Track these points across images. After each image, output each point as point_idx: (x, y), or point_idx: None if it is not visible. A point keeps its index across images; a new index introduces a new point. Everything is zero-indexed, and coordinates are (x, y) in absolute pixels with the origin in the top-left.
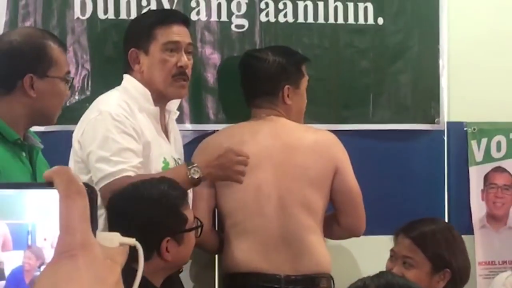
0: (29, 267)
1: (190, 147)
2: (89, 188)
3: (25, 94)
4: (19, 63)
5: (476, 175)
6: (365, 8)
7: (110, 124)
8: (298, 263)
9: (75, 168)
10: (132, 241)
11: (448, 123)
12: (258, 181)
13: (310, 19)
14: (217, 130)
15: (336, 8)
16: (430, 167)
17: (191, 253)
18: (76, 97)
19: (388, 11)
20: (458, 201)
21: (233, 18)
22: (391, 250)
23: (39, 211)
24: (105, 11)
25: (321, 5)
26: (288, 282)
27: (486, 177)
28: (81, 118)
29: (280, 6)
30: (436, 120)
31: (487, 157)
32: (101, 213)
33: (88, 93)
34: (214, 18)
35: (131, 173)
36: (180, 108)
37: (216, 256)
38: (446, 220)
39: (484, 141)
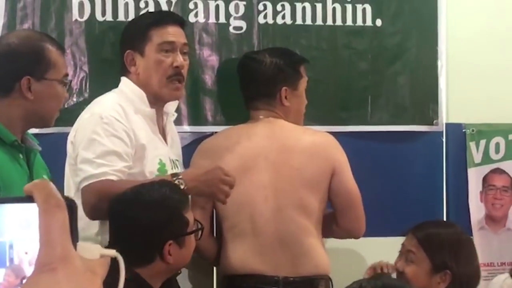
0: (7, 284)
1: (188, 149)
2: (69, 201)
3: (22, 96)
4: (17, 65)
5: (474, 177)
6: (363, 10)
7: (98, 126)
8: (296, 265)
9: (69, 170)
10: (112, 252)
11: (447, 124)
12: (254, 183)
13: (308, 21)
14: (215, 132)
15: (334, 9)
16: (428, 168)
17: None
18: (74, 99)
19: (386, 12)
20: (457, 203)
21: (231, 20)
22: (401, 245)
23: (20, 225)
24: (103, 13)
25: (319, 6)
26: (286, 284)
27: (485, 179)
28: (77, 119)
29: (278, 7)
30: (434, 122)
31: (486, 159)
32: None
33: (86, 95)
34: (212, 20)
35: (113, 177)
36: (178, 110)
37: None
38: None
39: (482, 142)
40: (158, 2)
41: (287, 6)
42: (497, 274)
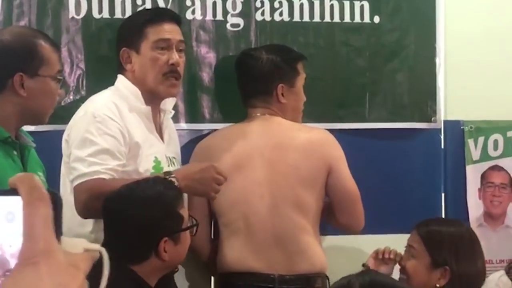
0: None
1: (186, 148)
2: (53, 194)
3: (15, 93)
4: (9, 61)
5: (473, 174)
6: (361, 7)
7: (91, 125)
8: (292, 263)
9: (65, 169)
10: (96, 246)
11: (445, 121)
12: (249, 181)
13: (306, 18)
14: (213, 129)
15: (332, 6)
16: (427, 166)
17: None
18: (71, 97)
19: (384, 9)
20: (455, 200)
21: (229, 17)
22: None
23: (5, 218)
24: (100, 11)
25: (317, 3)
26: (282, 282)
27: (483, 176)
28: (72, 118)
29: (276, 4)
30: (432, 119)
31: (484, 156)
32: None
33: (83, 92)
34: (209, 17)
35: (106, 176)
36: (175, 107)
37: None
38: None
39: (481, 139)
40: None
41: (285, 3)
42: (496, 271)
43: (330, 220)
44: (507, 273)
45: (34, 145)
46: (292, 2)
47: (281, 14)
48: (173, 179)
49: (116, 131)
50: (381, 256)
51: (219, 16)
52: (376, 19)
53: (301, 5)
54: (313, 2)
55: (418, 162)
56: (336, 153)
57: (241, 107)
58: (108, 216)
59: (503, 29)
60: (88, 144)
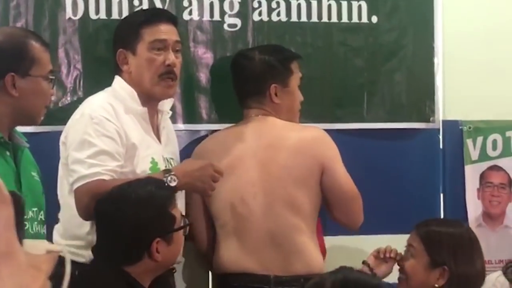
0: None
1: (184, 148)
2: (16, 196)
3: (7, 93)
4: (0, 62)
5: (472, 174)
6: (359, 7)
7: (88, 127)
8: (287, 264)
9: (62, 170)
10: (58, 248)
11: (444, 121)
12: (243, 182)
13: (304, 18)
14: (210, 130)
15: (329, 6)
16: (425, 166)
17: (185, 253)
18: (68, 98)
19: (382, 9)
20: (454, 200)
21: (226, 17)
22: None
23: None
24: (97, 11)
25: (314, 3)
26: (277, 282)
27: (482, 176)
28: (69, 120)
29: (273, 5)
30: (431, 119)
31: (483, 156)
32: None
33: (80, 93)
34: (206, 17)
35: (106, 177)
36: (172, 108)
37: None
38: None
39: (479, 139)
40: (152, 0)
41: (282, 3)
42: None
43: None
44: (505, 273)
45: (27, 145)
46: (290, 3)
47: (278, 14)
48: (173, 177)
49: (114, 132)
50: (383, 256)
51: (217, 17)
52: (374, 19)
53: (299, 5)
54: (310, 2)
55: (416, 162)
56: (329, 151)
57: (238, 108)
58: (100, 218)
59: (502, 29)
60: (86, 146)
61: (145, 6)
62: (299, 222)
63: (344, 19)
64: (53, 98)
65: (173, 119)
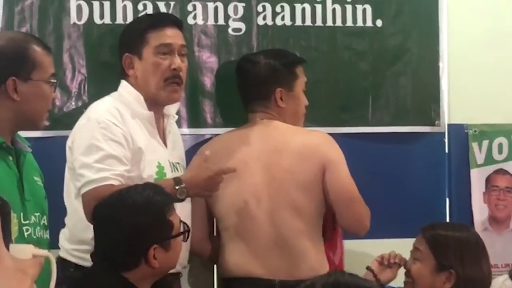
0: None
1: (188, 152)
2: (2, 202)
3: (8, 98)
4: (2, 66)
5: (477, 178)
6: (364, 10)
7: (96, 131)
8: (292, 268)
9: (69, 175)
10: (44, 252)
11: (449, 125)
12: (247, 186)
13: (308, 22)
14: (215, 134)
15: (334, 10)
16: (431, 170)
17: (191, 258)
18: (73, 103)
19: (386, 13)
20: (460, 204)
21: (230, 21)
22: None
23: None
24: (101, 16)
25: (319, 7)
26: (282, 287)
27: (488, 180)
28: (75, 125)
29: (278, 9)
30: (436, 123)
31: (489, 159)
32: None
33: (85, 98)
34: (211, 22)
35: (114, 182)
36: (177, 112)
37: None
38: None
39: (485, 143)
40: (157, 4)
41: (287, 7)
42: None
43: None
44: (511, 277)
45: (30, 150)
46: (294, 7)
47: (282, 18)
48: (184, 189)
49: (120, 136)
50: (387, 263)
51: (221, 21)
52: (379, 23)
53: (303, 9)
54: (315, 6)
55: (422, 166)
56: (333, 154)
57: (243, 112)
58: (98, 223)
59: (507, 32)
60: (94, 150)
61: (150, 10)
62: (303, 227)
63: (349, 23)
64: (57, 102)
65: (178, 123)
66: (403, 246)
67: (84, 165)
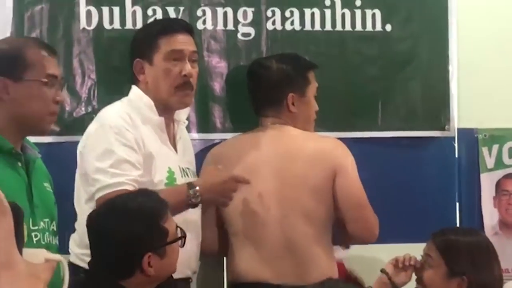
0: None
1: (198, 157)
2: (14, 206)
3: (1, 100)
4: None
5: (487, 182)
6: (373, 15)
7: (109, 136)
8: (301, 273)
9: (80, 180)
10: (57, 257)
11: (459, 129)
12: (257, 191)
13: (317, 27)
14: (224, 139)
15: (343, 15)
16: (440, 174)
17: (200, 263)
18: (83, 108)
19: (396, 17)
20: (470, 209)
21: (240, 26)
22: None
23: None
24: (111, 22)
25: (328, 12)
26: None
27: (498, 184)
28: (86, 130)
29: (287, 14)
30: (446, 127)
31: (499, 164)
32: None
33: (94, 103)
34: (220, 27)
35: (129, 187)
36: (187, 117)
37: (225, 266)
38: None
39: (495, 147)
40: (166, 10)
41: (296, 12)
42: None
43: (344, 239)
44: None
45: (39, 156)
46: (303, 11)
47: (292, 23)
48: (197, 193)
49: (133, 141)
50: (401, 265)
51: (230, 26)
52: (388, 27)
53: (312, 14)
54: (324, 11)
55: (432, 171)
56: (343, 160)
57: (252, 117)
58: (91, 231)
59: None
60: (108, 155)
61: (159, 16)
62: (313, 232)
63: (358, 27)
64: (67, 108)
65: (188, 128)
66: (413, 251)
67: (99, 170)
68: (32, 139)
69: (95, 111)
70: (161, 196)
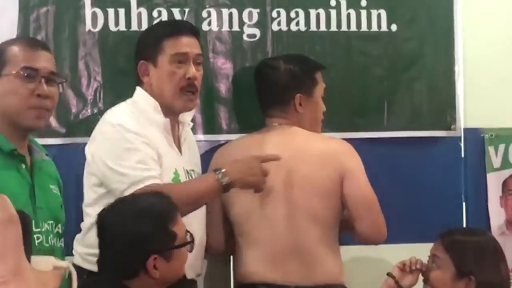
0: None
1: (204, 159)
2: (22, 215)
3: None
4: None
5: (494, 182)
6: (378, 15)
7: (127, 136)
8: (308, 274)
9: (88, 181)
10: (65, 264)
11: (465, 129)
12: (264, 192)
13: (323, 27)
14: (230, 140)
15: (348, 15)
16: (447, 174)
17: (207, 264)
18: (89, 110)
19: (401, 17)
20: (477, 208)
21: (245, 27)
22: (430, 251)
23: None
24: (116, 23)
25: (333, 13)
26: None
27: (505, 183)
28: (93, 132)
29: (292, 14)
30: (452, 127)
31: (505, 163)
32: None
33: (100, 105)
34: (225, 28)
35: (158, 181)
36: (192, 119)
37: (232, 267)
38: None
39: (501, 147)
40: (171, 11)
41: (301, 12)
42: None
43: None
44: None
45: (46, 157)
46: (309, 12)
47: (297, 24)
48: (225, 173)
49: (147, 140)
50: (408, 269)
51: (235, 27)
52: (393, 27)
53: (318, 15)
54: (329, 12)
55: (438, 171)
56: (352, 162)
57: (258, 118)
58: (100, 229)
59: None
60: (133, 153)
61: (164, 17)
62: (320, 233)
63: (364, 28)
64: (73, 109)
65: (193, 129)
66: (420, 251)
67: (126, 167)
68: (38, 140)
69: (101, 113)
70: (187, 186)
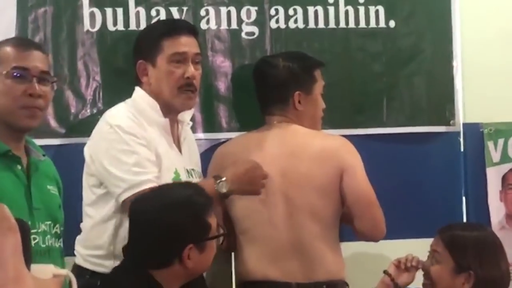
0: None
1: (204, 157)
2: (21, 222)
3: None
4: None
5: (493, 176)
6: (376, 12)
7: (125, 137)
8: (309, 271)
9: (87, 182)
10: (64, 271)
11: (464, 124)
12: (264, 189)
13: (321, 24)
14: (230, 139)
15: (347, 12)
16: (446, 169)
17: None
18: (88, 110)
19: (399, 13)
20: (477, 203)
21: (243, 25)
22: (430, 246)
23: None
24: (115, 23)
25: (331, 9)
26: None
27: (504, 178)
28: (93, 132)
29: (290, 12)
30: (451, 122)
31: (505, 158)
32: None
33: (99, 105)
34: (224, 26)
35: (154, 184)
36: (192, 117)
37: (233, 265)
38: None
39: (501, 141)
40: (170, 10)
41: (299, 10)
42: None
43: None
44: None
45: (43, 158)
46: (307, 9)
47: (295, 21)
48: (223, 183)
49: (144, 141)
50: (404, 266)
51: (234, 25)
52: (392, 23)
53: (316, 12)
54: (327, 9)
55: (437, 166)
56: (351, 159)
57: (258, 116)
58: (135, 217)
59: None
60: (129, 155)
61: (163, 16)
62: (320, 230)
63: (362, 24)
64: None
65: (193, 128)
66: (419, 246)
67: (123, 170)
68: (38, 141)
69: (100, 113)
70: None
